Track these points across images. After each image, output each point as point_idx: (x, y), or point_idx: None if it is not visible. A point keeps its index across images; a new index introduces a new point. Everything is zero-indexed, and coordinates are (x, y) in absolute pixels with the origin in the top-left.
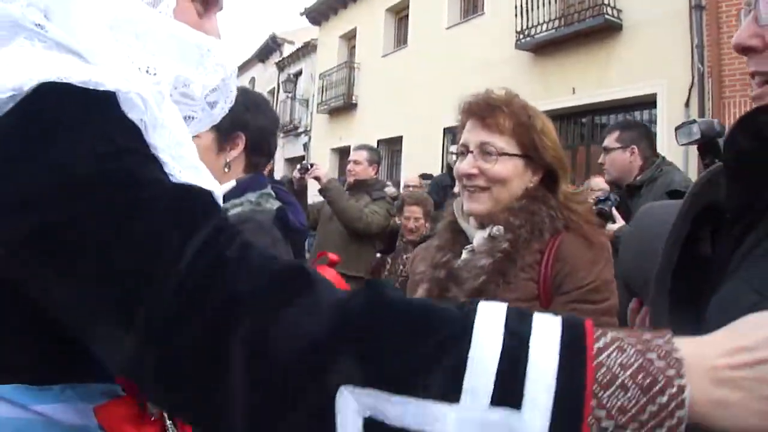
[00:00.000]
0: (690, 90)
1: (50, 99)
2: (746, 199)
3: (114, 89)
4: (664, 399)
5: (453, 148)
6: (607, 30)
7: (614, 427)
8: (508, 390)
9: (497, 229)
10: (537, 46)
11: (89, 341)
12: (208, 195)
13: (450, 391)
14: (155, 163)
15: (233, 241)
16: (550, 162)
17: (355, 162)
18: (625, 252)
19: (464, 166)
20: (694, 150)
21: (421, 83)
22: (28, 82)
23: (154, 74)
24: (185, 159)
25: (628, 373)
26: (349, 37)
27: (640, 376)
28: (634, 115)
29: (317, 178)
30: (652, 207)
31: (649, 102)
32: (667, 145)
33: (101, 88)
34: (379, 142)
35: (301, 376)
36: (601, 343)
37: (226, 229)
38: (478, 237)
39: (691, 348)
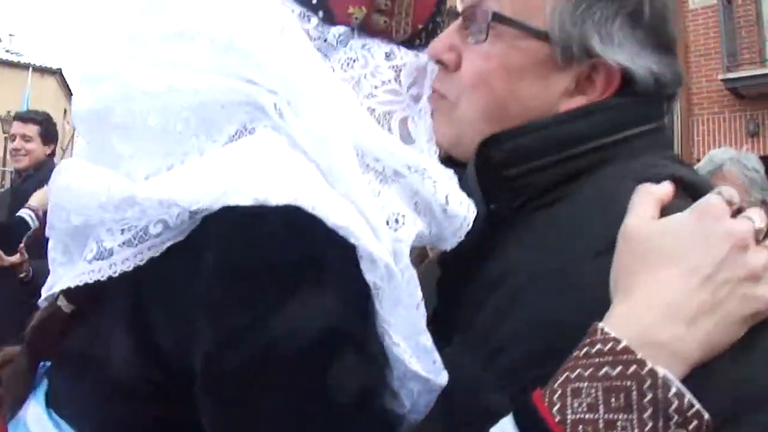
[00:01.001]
0: None
1: (307, 235)
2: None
3: (360, 245)
4: (649, 397)
5: None
6: None
7: None
8: None
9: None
10: None
11: None
12: None
13: None
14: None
15: None
16: None
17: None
18: None
19: None
20: None
21: None
22: (276, 197)
23: (401, 227)
24: (418, 342)
25: (600, 410)
26: None
27: (613, 402)
28: None
29: None
30: None
31: None
32: None
33: (350, 240)
34: None
35: None
36: (556, 405)
37: None
38: None
39: (623, 322)
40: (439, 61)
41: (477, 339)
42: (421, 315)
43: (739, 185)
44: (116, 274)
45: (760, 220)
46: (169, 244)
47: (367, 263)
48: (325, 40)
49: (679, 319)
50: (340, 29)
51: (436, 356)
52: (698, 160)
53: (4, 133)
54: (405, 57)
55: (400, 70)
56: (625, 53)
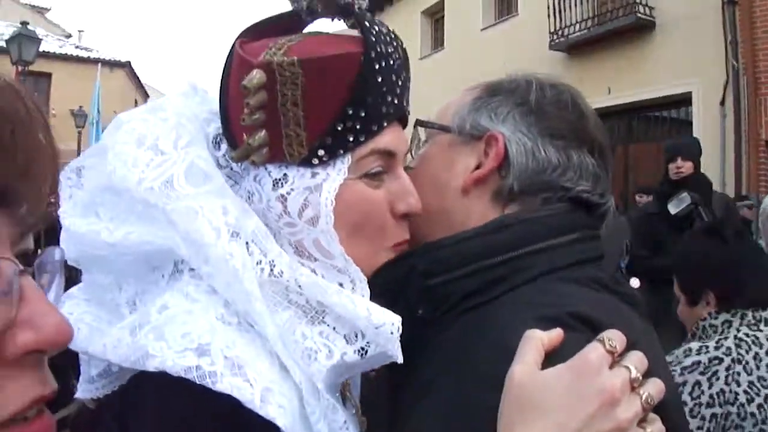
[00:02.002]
0: (725, 87)
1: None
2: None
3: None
4: None
5: None
6: (640, 29)
7: None
8: None
9: None
10: (570, 47)
11: None
12: None
13: None
14: None
15: None
16: None
17: None
18: None
19: None
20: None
21: (458, 85)
22: (173, 367)
23: (313, 362)
24: None
25: None
26: None
27: None
28: (670, 113)
29: None
30: None
31: (684, 100)
32: (704, 145)
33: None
34: None
35: None
36: None
37: None
38: None
39: None
40: None
41: None
42: None
43: None
44: (102, 395)
45: (637, 368)
46: (121, 382)
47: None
48: (232, 168)
49: None
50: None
51: None
52: (766, 141)
53: (77, 127)
54: (295, 182)
55: (286, 199)
56: (507, 126)
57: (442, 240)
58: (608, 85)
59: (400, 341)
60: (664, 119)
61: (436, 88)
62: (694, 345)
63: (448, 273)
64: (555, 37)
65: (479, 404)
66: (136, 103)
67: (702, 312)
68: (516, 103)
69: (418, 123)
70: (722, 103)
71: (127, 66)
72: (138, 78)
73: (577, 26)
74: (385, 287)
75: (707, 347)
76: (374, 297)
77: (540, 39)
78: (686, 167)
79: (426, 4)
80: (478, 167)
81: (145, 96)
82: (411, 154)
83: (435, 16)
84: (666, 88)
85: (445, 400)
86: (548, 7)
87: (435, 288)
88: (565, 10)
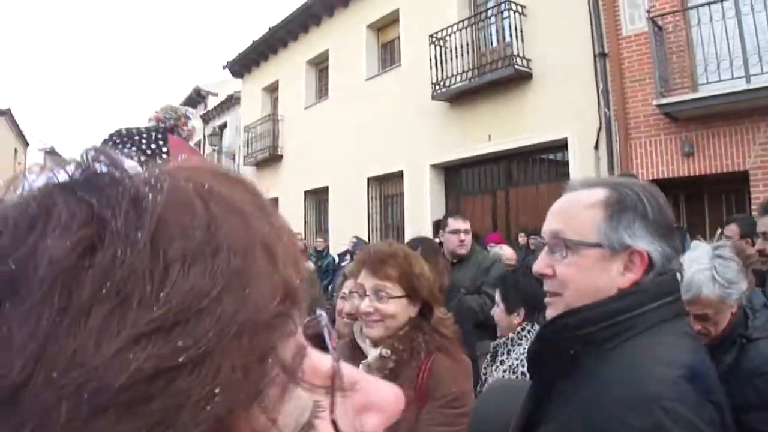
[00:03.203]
0: (598, 133)
1: None
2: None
3: None
4: None
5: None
6: (518, 79)
7: None
8: None
9: (385, 352)
10: (453, 96)
11: None
12: None
13: None
14: None
15: None
16: (426, 296)
17: None
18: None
19: (363, 306)
20: None
21: (344, 134)
22: None
23: None
24: None
25: None
26: (272, 89)
27: None
28: (547, 158)
29: None
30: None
31: (561, 146)
32: None
33: None
34: (306, 192)
35: None
36: None
37: None
38: (372, 354)
39: None
40: (543, 275)
41: None
42: None
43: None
44: None
45: None
46: None
47: None
48: None
49: None
50: None
51: None
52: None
53: None
54: None
55: None
56: (642, 240)
57: (587, 305)
58: (489, 133)
59: (553, 376)
60: (542, 162)
61: (322, 136)
62: None
63: (593, 326)
64: (437, 87)
65: (614, 419)
66: (15, 152)
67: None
68: (641, 217)
69: (569, 243)
70: (596, 147)
71: (7, 113)
72: (18, 126)
73: (459, 77)
74: (545, 338)
75: None
76: (535, 344)
77: (423, 89)
78: None
79: (311, 54)
80: (625, 269)
81: (26, 144)
82: (556, 256)
83: (320, 66)
84: (543, 134)
85: (585, 414)
86: (430, 59)
87: (584, 336)
88: (446, 62)
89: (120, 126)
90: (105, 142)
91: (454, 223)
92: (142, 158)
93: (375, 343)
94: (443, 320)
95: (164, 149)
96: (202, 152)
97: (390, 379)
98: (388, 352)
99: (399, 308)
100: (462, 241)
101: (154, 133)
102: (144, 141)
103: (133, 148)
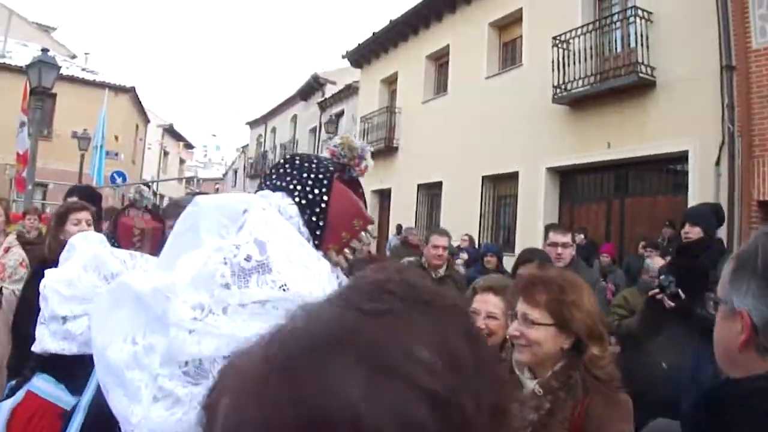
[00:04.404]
0: (720, 148)
1: None
2: None
3: None
4: None
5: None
6: (641, 87)
7: None
8: None
9: (538, 389)
10: (573, 101)
11: None
12: None
13: None
14: None
15: None
16: (579, 329)
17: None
18: None
19: (511, 329)
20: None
21: (461, 130)
22: None
23: None
24: None
25: None
26: (390, 82)
27: None
28: (666, 170)
29: None
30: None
31: (680, 158)
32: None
33: None
34: (419, 186)
35: None
36: None
37: None
38: (527, 387)
39: None
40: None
41: None
42: None
43: None
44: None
45: None
46: None
47: None
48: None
49: None
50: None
51: None
52: (759, 202)
53: (80, 150)
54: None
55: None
56: (749, 301)
57: (743, 379)
58: (608, 140)
59: None
60: (660, 174)
61: (438, 131)
62: None
63: (754, 398)
64: (558, 90)
65: None
66: (136, 128)
67: None
68: (754, 276)
69: (715, 300)
70: (717, 163)
71: (131, 91)
72: (141, 103)
73: (580, 81)
74: (709, 406)
75: None
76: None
77: (544, 91)
78: (694, 232)
79: (431, 49)
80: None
81: (146, 121)
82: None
83: (439, 61)
84: (664, 145)
85: None
86: (552, 61)
87: (747, 406)
88: (568, 65)
89: (291, 151)
90: (277, 166)
91: (553, 236)
92: (302, 202)
93: (533, 374)
94: (597, 359)
95: (325, 198)
96: (317, 138)
97: (545, 420)
98: (541, 390)
99: (546, 336)
100: (559, 254)
101: (321, 176)
102: (309, 183)
103: (298, 187)
